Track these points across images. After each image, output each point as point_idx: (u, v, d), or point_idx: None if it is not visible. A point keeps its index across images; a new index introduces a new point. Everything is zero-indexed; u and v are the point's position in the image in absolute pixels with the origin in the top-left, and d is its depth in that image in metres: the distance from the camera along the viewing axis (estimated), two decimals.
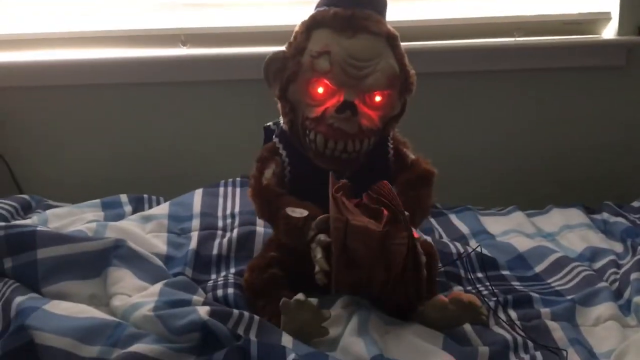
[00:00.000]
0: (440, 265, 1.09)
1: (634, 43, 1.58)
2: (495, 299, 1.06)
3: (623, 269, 1.15)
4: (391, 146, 1.08)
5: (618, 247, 1.26)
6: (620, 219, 1.37)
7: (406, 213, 0.93)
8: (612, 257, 1.20)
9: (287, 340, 0.88)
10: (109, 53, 1.57)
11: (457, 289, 1.09)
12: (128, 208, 1.36)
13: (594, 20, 1.61)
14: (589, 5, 1.61)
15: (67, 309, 0.90)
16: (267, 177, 1.03)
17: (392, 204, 0.93)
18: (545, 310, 1.03)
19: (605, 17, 1.60)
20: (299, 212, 0.97)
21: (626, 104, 1.63)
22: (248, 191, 1.06)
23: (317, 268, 0.91)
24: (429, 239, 1.20)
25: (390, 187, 0.96)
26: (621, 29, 1.57)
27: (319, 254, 0.91)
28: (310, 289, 0.93)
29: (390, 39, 1.02)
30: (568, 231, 1.35)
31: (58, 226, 1.23)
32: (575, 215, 1.41)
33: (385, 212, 0.93)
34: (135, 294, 0.96)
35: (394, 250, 0.90)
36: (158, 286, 0.97)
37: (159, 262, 1.08)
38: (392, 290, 0.93)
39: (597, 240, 1.29)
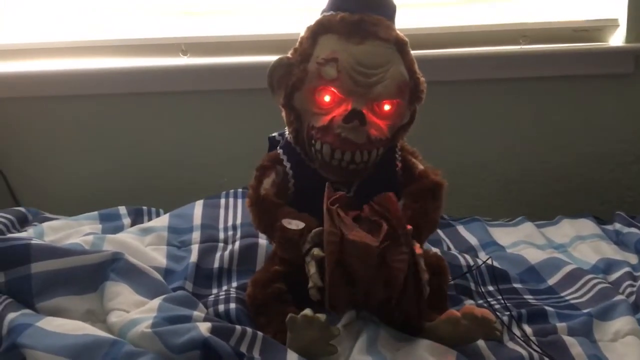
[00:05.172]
0: (449, 278, 1.05)
1: None
2: (508, 313, 1.02)
3: (639, 282, 1.11)
4: (399, 157, 1.04)
5: (632, 259, 1.22)
6: (633, 230, 1.33)
7: (408, 227, 0.89)
8: (627, 269, 1.17)
9: (292, 358, 0.85)
10: (108, 63, 1.55)
11: (469, 303, 1.05)
12: (127, 220, 1.33)
13: (602, 28, 1.59)
14: (596, 12, 1.59)
15: (61, 325, 0.87)
16: (266, 187, 1.00)
17: (392, 217, 0.89)
18: (561, 325, 0.99)
19: (612, 24, 1.58)
20: (295, 224, 0.94)
21: (634, 112, 1.60)
22: (246, 201, 1.03)
23: (310, 283, 0.88)
24: (438, 251, 1.16)
25: (394, 200, 0.92)
26: (629, 36, 1.55)
27: (312, 268, 0.88)
28: (315, 304, 0.89)
29: (399, 45, 0.98)
30: (580, 242, 1.31)
31: (54, 239, 1.20)
32: (586, 225, 1.38)
33: (385, 226, 0.90)
34: (133, 310, 0.93)
35: (393, 267, 0.87)
36: (157, 301, 0.94)
37: (158, 276, 1.05)
38: (394, 307, 0.89)
39: (611, 251, 1.26)
